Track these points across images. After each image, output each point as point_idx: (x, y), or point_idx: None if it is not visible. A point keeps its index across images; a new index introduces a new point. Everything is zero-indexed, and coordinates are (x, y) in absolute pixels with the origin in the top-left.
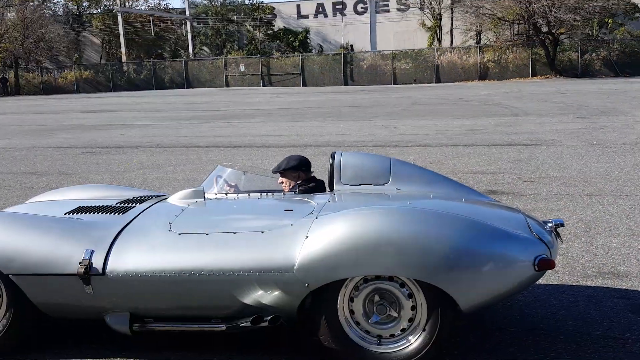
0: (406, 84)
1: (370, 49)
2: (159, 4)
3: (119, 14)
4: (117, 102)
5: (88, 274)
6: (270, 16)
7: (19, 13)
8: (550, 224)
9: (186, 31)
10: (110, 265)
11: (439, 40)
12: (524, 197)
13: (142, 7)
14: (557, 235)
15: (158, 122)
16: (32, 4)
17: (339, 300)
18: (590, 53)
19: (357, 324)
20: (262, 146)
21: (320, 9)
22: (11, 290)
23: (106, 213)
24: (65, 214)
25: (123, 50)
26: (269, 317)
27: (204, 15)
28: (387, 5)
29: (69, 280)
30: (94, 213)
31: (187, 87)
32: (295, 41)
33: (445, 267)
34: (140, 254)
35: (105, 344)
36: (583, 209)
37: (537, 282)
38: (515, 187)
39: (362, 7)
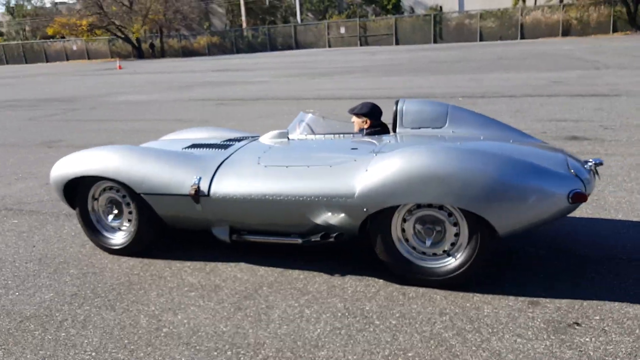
0: (491, 41)
1: (458, 9)
2: None
3: None
4: (239, 62)
5: (197, 195)
6: None
7: None
8: (590, 163)
9: (295, 0)
10: (213, 189)
11: (524, 0)
12: (605, 143)
13: None
14: (596, 172)
15: (272, 79)
16: None
17: (392, 223)
18: None
19: (407, 242)
20: (360, 98)
21: None
22: (142, 206)
23: (212, 149)
24: (182, 149)
25: (243, 18)
26: (335, 234)
27: None
28: None
29: (184, 199)
30: (203, 149)
31: (295, 49)
32: (389, 4)
33: (484, 197)
34: (235, 181)
35: (213, 249)
36: None
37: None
38: (597, 134)
39: None
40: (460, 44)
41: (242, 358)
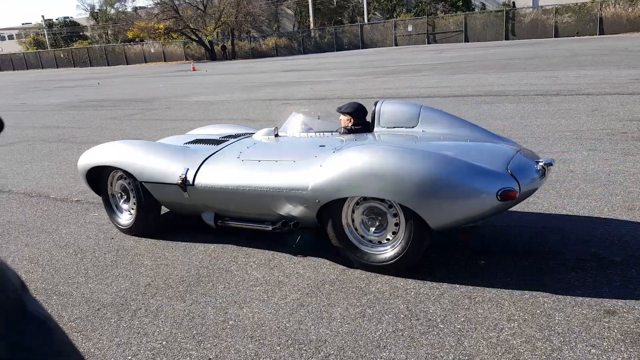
0: (568, 37)
1: (532, 5)
2: None
3: None
4: (306, 62)
5: (184, 184)
6: None
7: None
8: (540, 163)
9: None
10: (197, 179)
11: None
12: None
13: None
14: (545, 173)
15: (338, 79)
16: None
17: (342, 213)
18: None
19: (356, 230)
20: (427, 96)
21: None
22: (142, 192)
23: (207, 144)
24: (184, 143)
25: (311, 19)
26: (292, 222)
27: None
28: None
29: (174, 188)
30: (200, 144)
31: (361, 48)
32: (459, 1)
33: (416, 193)
34: (215, 173)
35: (277, 246)
36: None
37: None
38: None
39: None
40: (534, 40)
41: (304, 354)
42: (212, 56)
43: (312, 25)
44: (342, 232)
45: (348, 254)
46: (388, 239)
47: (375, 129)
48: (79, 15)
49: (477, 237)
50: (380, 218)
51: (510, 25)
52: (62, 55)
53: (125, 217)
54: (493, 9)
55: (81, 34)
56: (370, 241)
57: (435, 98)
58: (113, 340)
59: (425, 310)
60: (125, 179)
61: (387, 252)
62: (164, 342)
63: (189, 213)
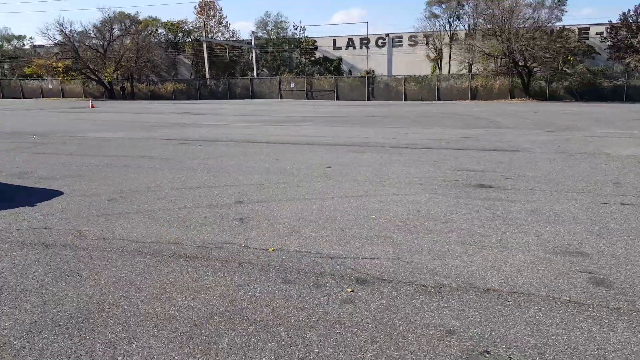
0: (414, 100)
1: (387, 74)
2: (232, 36)
3: (204, 43)
4: (201, 108)
5: None
6: (312, 47)
7: (133, 40)
8: None
9: (252, 57)
10: None
11: (440, 69)
12: (506, 190)
13: (220, 39)
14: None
15: (232, 123)
16: (143, 34)
17: None
18: (557, 82)
19: None
20: (306, 144)
21: (350, 43)
22: None
23: None
24: None
25: (207, 69)
26: None
27: (264, 45)
28: (401, 41)
29: None
30: None
31: (251, 98)
32: (331, 66)
33: None
34: None
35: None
36: (552, 202)
37: None
38: (499, 183)
39: (381, 42)
40: (388, 102)
41: None
42: (111, 95)
43: (207, 75)
44: None
45: None
46: None
47: None
48: None
49: None
50: None
51: (370, 89)
52: None
53: None
54: (357, 75)
55: None
56: None
57: (315, 145)
58: None
59: None
60: None
61: None
62: None
63: None
